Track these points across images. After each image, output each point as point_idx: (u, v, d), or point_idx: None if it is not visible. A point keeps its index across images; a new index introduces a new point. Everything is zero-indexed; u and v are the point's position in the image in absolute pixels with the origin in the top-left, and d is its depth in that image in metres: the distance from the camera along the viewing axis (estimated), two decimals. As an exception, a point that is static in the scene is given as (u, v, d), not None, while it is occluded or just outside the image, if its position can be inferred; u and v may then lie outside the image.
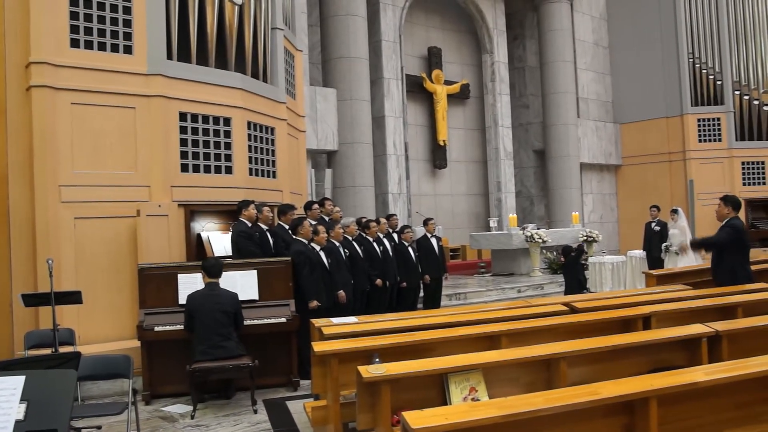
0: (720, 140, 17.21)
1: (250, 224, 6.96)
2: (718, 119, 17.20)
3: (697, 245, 7.19)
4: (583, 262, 10.70)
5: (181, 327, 5.88)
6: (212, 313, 5.64)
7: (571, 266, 9.83)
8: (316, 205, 8.06)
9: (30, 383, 2.40)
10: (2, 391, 2.37)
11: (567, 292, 9.71)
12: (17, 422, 2.30)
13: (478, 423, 2.57)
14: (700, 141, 17.28)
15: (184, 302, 5.85)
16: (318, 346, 4.22)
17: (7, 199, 6.64)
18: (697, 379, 3.12)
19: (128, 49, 6.97)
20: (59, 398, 2.41)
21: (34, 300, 5.82)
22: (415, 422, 2.48)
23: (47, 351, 5.62)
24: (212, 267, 5.87)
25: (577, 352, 3.81)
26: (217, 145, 7.53)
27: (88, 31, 6.76)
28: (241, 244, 6.82)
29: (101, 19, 6.83)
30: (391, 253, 8.71)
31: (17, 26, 6.59)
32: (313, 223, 7.39)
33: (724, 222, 6.51)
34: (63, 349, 5.65)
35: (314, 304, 6.71)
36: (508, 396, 2.99)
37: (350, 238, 8.12)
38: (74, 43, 6.68)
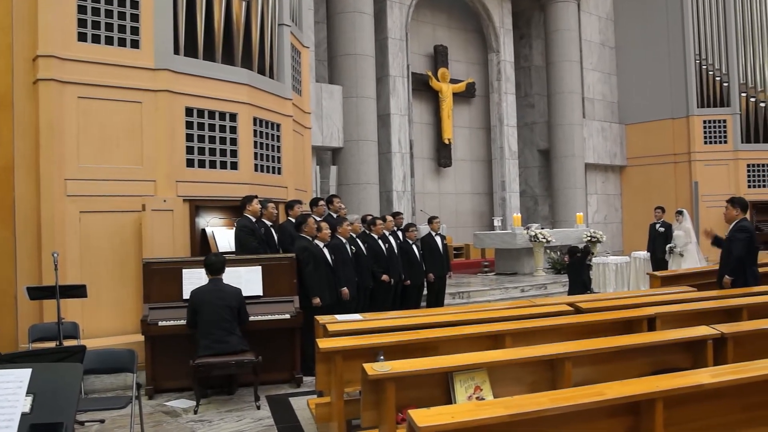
0: (725, 142, 17.14)
1: (254, 219, 6.96)
2: (724, 121, 17.14)
3: (730, 270, 6.56)
4: (588, 263, 10.68)
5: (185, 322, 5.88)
6: (216, 308, 5.63)
7: (576, 267, 9.80)
8: (322, 202, 8.06)
9: (36, 376, 2.39)
10: (8, 383, 2.36)
11: (571, 293, 9.68)
12: (23, 415, 2.29)
13: (484, 422, 2.56)
14: (705, 143, 17.21)
15: (189, 297, 5.85)
16: (323, 343, 4.21)
17: (12, 192, 6.65)
18: (703, 381, 3.10)
19: (135, 44, 6.97)
20: (65, 391, 2.40)
21: (38, 293, 5.83)
22: (421, 420, 2.47)
23: (51, 344, 5.63)
24: (213, 264, 5.85)
25: (581, 352, 3.80)
26: (222, 140, 7.53)
27: (96, 25, 6.76)
28: (243, 239, 6.82)
29: (109, 13, 6.83)
30: (396, 251, 8.71)
31: (25, 19, 6.59)
32: (318, 219, 7.39)
33: (733, 224, 6.48)
34: (67, 343, 5.66)
35: (317, 300, 6.70)
36: (513, 395, 2.98)
37: (354, 236, 8.11)
38: (81, 37, 6.68)
